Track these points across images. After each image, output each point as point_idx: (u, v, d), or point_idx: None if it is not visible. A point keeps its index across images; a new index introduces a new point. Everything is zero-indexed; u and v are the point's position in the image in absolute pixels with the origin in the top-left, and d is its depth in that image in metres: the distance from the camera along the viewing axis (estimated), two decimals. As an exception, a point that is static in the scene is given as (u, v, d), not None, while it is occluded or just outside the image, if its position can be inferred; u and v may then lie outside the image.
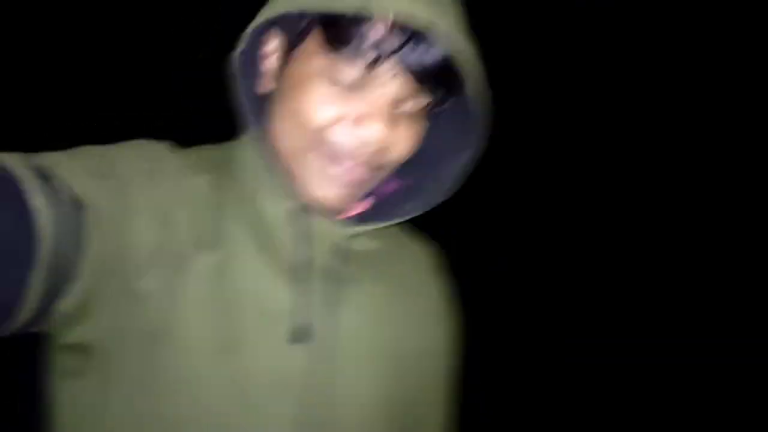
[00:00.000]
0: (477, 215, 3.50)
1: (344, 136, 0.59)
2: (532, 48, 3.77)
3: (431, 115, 0.65)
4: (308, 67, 0.59)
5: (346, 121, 0.59)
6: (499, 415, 2.50)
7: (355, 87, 0.58)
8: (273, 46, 0.64)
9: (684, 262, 3.48)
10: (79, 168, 0.52)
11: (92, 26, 3.39)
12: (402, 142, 0.62)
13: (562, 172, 3.90)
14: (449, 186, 0.68)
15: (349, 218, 0.68)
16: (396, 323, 0.72)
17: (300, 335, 0.63)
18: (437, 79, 0.59)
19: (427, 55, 0.57)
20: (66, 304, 0.51)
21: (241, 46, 0.62)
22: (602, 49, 3.75)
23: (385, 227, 0.69)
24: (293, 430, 0.63)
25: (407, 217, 0.69)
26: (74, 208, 0.49)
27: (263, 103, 0.66)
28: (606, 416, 2.61)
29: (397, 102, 0.59)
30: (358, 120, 0.58)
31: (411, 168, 0.67)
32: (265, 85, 0.65)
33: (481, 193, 3.67)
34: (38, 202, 0.45)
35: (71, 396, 0.60)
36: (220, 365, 0.60)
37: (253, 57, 0.65)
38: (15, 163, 0.46)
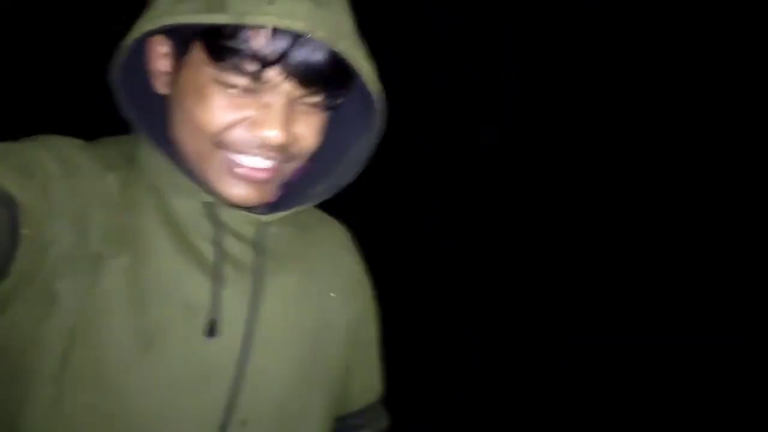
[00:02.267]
0: (473, 215, 3.50)
1: (244, 138, 0.59)
2: (534, 47, 3.78)
3: (332, 105, 0.64)
4: (198, 76, 0.59)
5: (244, 124, 0.59)
6: (496, 414, 2.50)
7: (248, 91, 0.58)
8: (162, 50, 0.63)
9: (682, 262, 3.48)
10: (3, 165, 0.52)
11: (92, 26, 3.39)
12: (304, 137, 0.62)
13: (559, 172, 3.90)
14: (356, 167, 0.69)
15: (260, 207, 0.68)
16: (315, 306, 0.73)
17: (215, 328, 0.63)
18: (327, 77, 0.59)
19: (312, 57, 0.56)
20: None
21: (122, 56, 0.61)
22: (601, 48, 3.75)
23: (296, 212, 0.69)
24: (217, 419, 0.64)
25: (317, 201, 0.70)
26: (5, 206, 0.48)
27: (162, 101, 0.65)
28: (601, 417, 2.61)
29: (291, 102, 0.59)
30: (255, 125, 0.58)
31: (316, 152, 0.67)
32: (160, 87, 0.64)
33: (477, 193, 3.67)
34: None
35: None
36: (141, 361, 0.60)
37: (145, 55, 0.64)
38: None
